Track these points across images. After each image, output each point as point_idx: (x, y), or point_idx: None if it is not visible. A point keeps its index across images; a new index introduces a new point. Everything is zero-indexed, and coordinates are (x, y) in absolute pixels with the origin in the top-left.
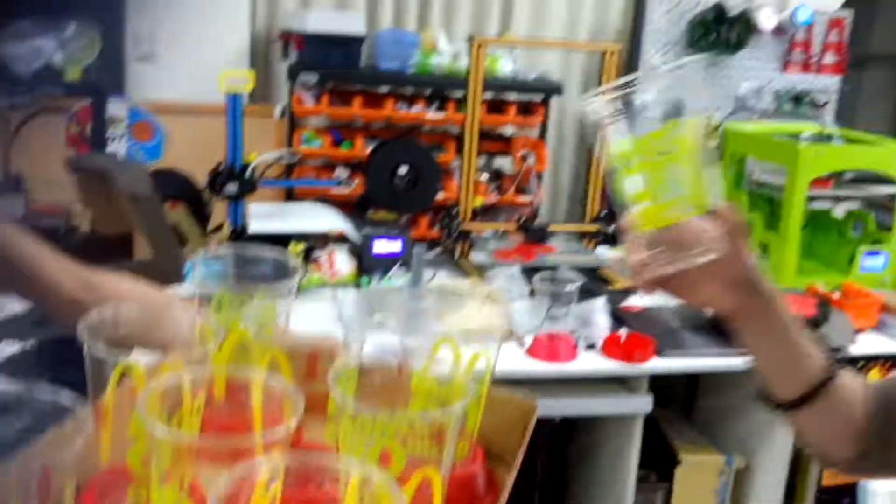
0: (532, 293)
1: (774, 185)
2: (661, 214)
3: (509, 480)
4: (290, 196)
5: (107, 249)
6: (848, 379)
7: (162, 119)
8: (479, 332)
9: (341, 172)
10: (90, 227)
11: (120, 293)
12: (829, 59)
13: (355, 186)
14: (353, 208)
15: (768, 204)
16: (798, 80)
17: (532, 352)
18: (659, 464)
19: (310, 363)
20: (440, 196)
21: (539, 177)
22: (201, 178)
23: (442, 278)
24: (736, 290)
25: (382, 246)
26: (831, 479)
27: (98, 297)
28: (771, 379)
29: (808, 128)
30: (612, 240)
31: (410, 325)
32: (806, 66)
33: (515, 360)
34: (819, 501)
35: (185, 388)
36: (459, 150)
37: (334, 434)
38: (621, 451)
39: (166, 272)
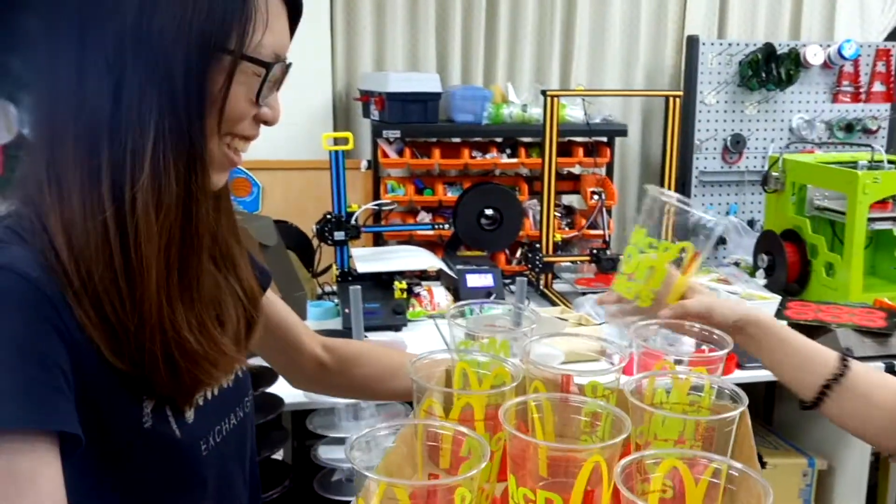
0: None
1: (835, 210)
2: (624, 287)
3: None
4: (378, 238)
5: None
6: (871, 375)
7: (257, 175)
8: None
9: (424, 216)
10: None
11: (356, 351)
12: (878, 87)
13: (445, 229)
14: (438, 247)
15: (830, 227)
16: (848, 109)
17: (625, 370)
18: None
19: (563, 384)
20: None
21: (608, 211)
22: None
23: (533, 307)
24: (729, 331)
25: (475, 280)
26: None
27: (337, 357)
28: (790, 385)
29: (862, 156)
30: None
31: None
32: (855, 97)
33: (610, 378)
34: None
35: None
36: (531, 191)
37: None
38: None
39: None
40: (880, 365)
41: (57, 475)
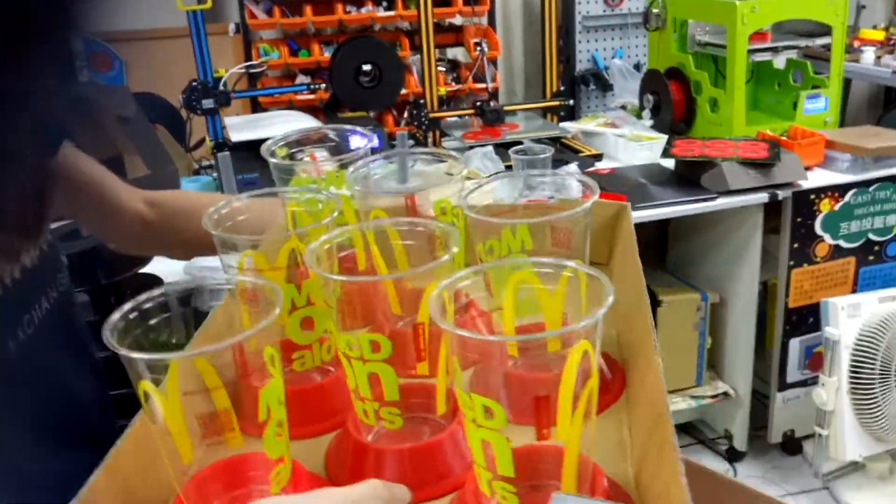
0: (508, 167)
1: (717, 44)
2: None
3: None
4: (255, 107)
5: None
6: None
7: (117, 48)
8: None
9: (303, 79)
10: None
11: (184, 203)
12: None
13: (321, 90)
14: (320, 112)
15: (713, 62)
16: None
17: None
18: None
19: (409, 207)
20: (402, 91)
21: (493, 63)
22: (170, 100)
23: (420, 165)
24: None
25: (359, 141)
26: (797, 300)
27: (163, 211)
28: None
29: None
30: (572, 114)
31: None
32: None
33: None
34: (788, 321)
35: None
36: (413, 46)
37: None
38: None
39: (164, 187)
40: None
41: None
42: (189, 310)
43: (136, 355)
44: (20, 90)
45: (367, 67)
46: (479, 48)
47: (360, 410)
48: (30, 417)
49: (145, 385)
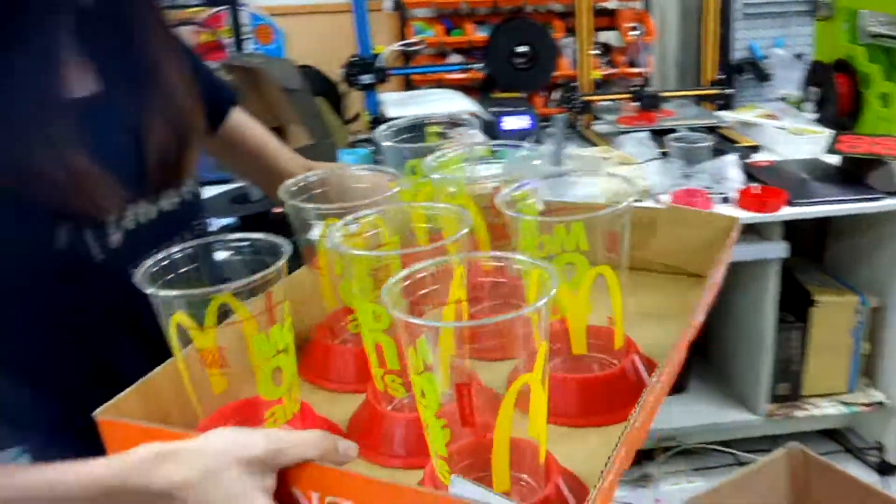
0: (663, 154)
1: (892, 36)
2: None
3: (706, 298)
4: (408, 84)
5: None
6: None
7: (278, 21)
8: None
9: (455, 58)
10: None
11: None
12: None
13: (474, 69)
14: (471, 91)
15: (885, 55)
16: None
17: None
18: (795, 306)
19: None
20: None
21: (647, 48)
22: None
23: (572, 148)
24: None
25: (511, 122)
26: None
27: None
28: None
29: None
30: (729, 103)
31: (556, 188)
32: None
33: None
34: None
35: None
36: (566, 28)
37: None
38: (760, 294)
39: (323, 157)
40: None
41: None
42: (209, 261)
43: (171, 293)
44: (175, 57)
45: (521, 49)
46: (633, 32)
47: (373, 375)
48: (140, 341)
49: (179, 317)
